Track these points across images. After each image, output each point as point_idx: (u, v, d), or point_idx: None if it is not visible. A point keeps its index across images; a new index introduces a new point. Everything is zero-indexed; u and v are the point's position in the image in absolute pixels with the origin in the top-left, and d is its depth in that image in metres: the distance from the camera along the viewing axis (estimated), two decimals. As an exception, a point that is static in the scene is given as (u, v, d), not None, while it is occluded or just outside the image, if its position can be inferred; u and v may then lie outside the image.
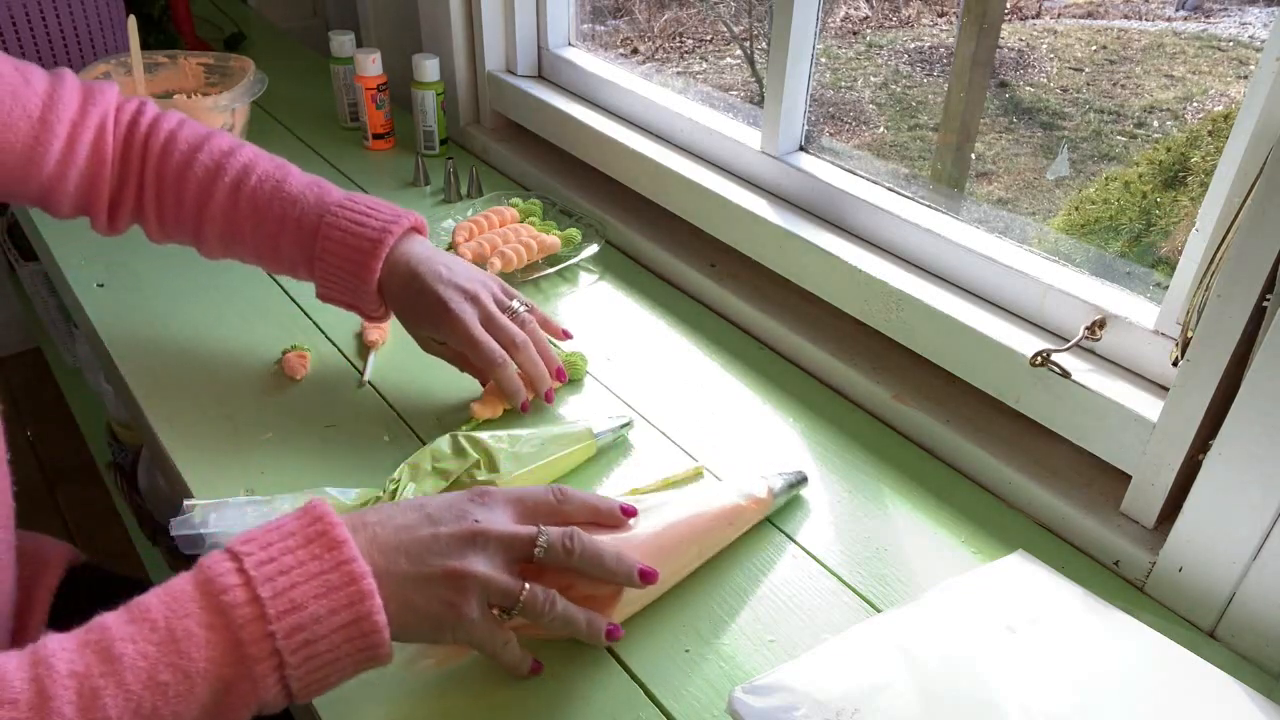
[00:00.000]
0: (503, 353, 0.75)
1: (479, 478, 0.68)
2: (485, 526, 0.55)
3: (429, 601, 0.53)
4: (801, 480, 0.73)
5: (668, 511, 0.64)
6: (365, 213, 0.76)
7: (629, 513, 0.62)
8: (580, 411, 0.81)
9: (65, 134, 0.75)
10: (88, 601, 0.79)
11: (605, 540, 0.58)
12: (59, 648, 0.46)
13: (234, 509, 0.65)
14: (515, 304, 0.79)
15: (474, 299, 0.76)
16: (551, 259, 1.01)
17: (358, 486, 0.69)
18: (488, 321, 0.76)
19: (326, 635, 0.49)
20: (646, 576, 0.59)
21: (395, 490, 0.67)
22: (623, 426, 0.78)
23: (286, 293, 0.95)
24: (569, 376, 0.84)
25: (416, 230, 0.79)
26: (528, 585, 0.55)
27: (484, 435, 0.71)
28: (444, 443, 0.71)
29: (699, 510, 0.66)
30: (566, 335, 0.85)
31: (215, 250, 0.81)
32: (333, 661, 0.50)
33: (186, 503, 0.65)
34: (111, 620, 0.48)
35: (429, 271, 0.76)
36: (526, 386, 0.78)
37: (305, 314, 0.92)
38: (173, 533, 0.63)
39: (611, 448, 0.77)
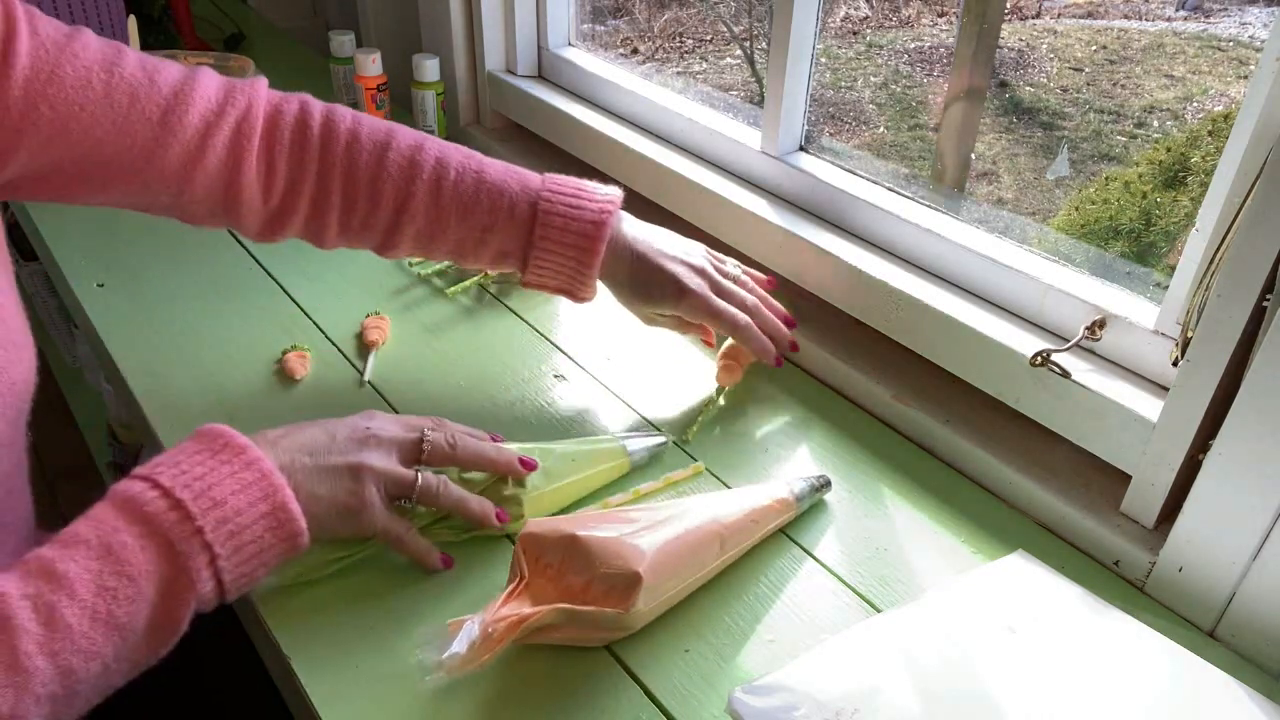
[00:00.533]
0: (741, 315, 0.77)
1: (504, 491, 0.67)
2: (376, 431, 0.63)
3: (333, 491, 0.60)
4: (825, 484, 0.73)
5: (692, 513, 0.64)
6: (577, 194, 0.76)
7: (495, 439, 0.69)
8: (610, 425, 0.81)
9: (190, 138, 0.69)
10: None
11: (598, 537, 0.59)
12: (3, 580, 0.50)
13: None
14: (729, 267, 0.82)
15: (701, 271, 0.78)
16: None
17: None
18: (719, 290, 0.78)
19: (249, 525, 0.55)
20: (527, 465, 0.67)
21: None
22: (658, 445, 0.76)
23: (287, 293, 0.95)
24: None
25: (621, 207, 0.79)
26: (420, 473, 0.63)
27: (512, 446, 0.69)
28: None
29: (722, 510, 0.66)
30: (773, 283, 0.87)
31: (404, 249, 0.78)
32: (258, 553, 0.56)
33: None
34: (45, 550, 0.52)
35: (650, 250, 0.77)
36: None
37: (305, 314, 0.92)
38: None
39: (645, 466, 0.76)
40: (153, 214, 0.74)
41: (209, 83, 0.71)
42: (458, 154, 0.77)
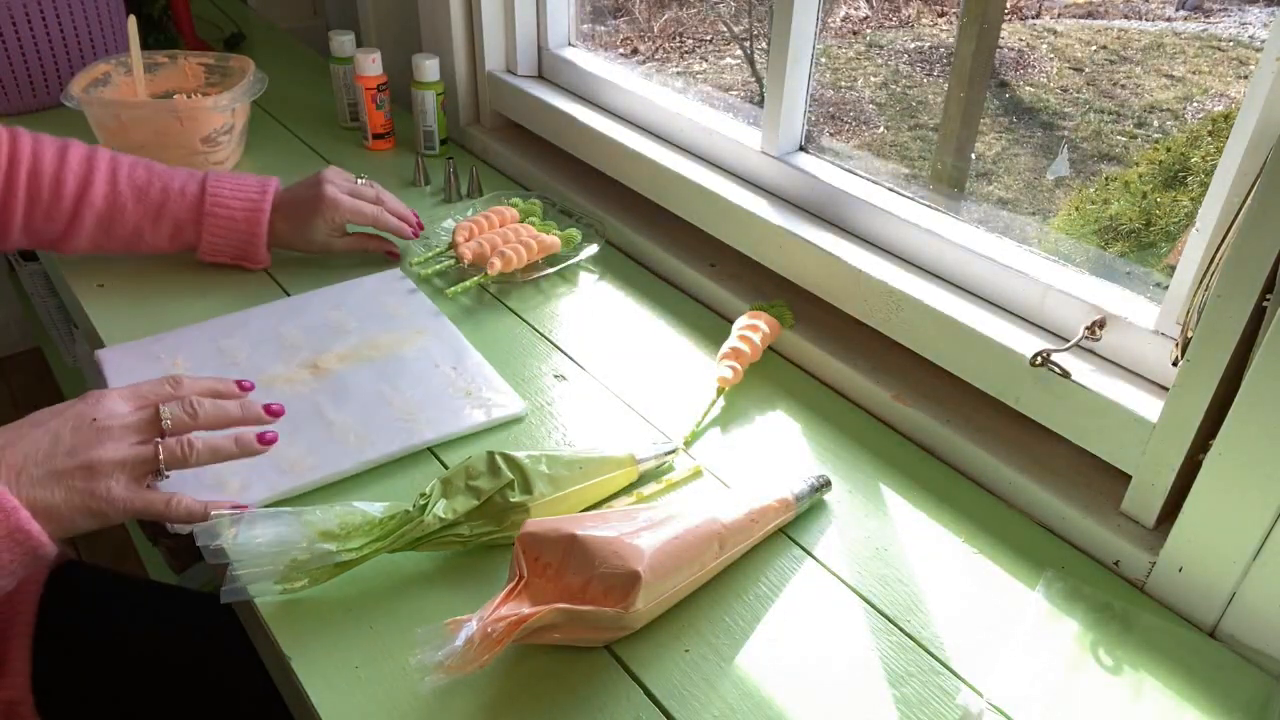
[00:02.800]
0: (375, 206, 0.97)
1: (512, 499, 0.66)
2: (105, 421, 0.62)
3: (68, 496, 0.60)
4: (825, 484, 0.73)
5: (692, 513, 0.64)
6: (237, 177, 0.94)
7: (245, 387, 0.70)
8: (611, 425, 0.81)
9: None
10: (90, 600, 0.80)
11: (597, 536, 0.59)
12: None
13: (263, 520, 0.62)
14: (358, 181, 0.99)
15: (330, 181, 0.96)
16: (551, 259, 1.01)
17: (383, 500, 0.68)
18: (352, 192, 0.97)
19: None
20: (272, 412, 0.68)
21: (425, 505, 0.65)
22: (667, 453, 0.76)
23: (287, 293, 0.95)
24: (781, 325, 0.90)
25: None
26: (161, 442, 0.62)
27: (521, 455, 0.69)
28: (480, 460, 0.68)
29: (722, 510, 0.66)
30: (415, 225, 1.01)
31: (84, 237, 0.90)
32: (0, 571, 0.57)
33: (213, 513, 0.64)
34: None
35: (292, 191, 0.96)
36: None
37: (305, 314, 0.92)
38: (197, 543, 0.62)
39: (655, 474, 0.75)
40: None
41: None
42: (129, 157, 0.92)
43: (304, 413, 0.78)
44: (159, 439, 0.63)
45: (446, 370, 0.83)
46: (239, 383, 0.70)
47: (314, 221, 0.94)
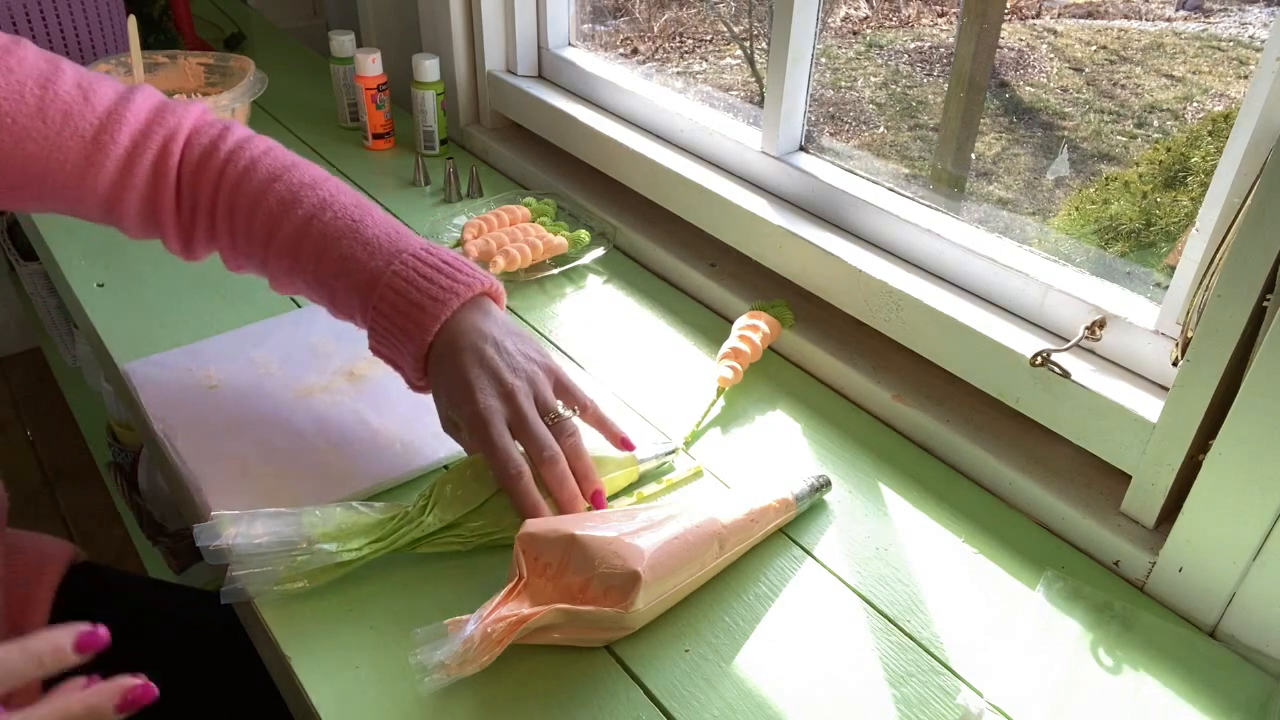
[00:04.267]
0: (520, 464, 0.63)
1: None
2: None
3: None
4: (825, 484, 0.73)
5: (692, 513, 0.64)
6: (438, 267, 0.67)
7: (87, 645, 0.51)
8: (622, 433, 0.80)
9: (120, 155, 0.69)
10: (89, 600, 0.80)
11: (597, 536, 0.59)
12: None
13: (263, 520, 0.62)
14: (561, 407, 0.67)
15: (509, 395, 0.64)
16: (559, 259, 1.01)
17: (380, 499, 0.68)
18: (518, 425, 0.64)
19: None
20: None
21: (425, 506, 0.65)
22: (668, 453, 0.75)
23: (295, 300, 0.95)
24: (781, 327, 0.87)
25: (490, 296, 0.69)
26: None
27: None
28: (480, 461, 0.66)
29: (722, 510, 0.66)
30: (627, 445, 0.71)
31: (284, 286, 0.74)
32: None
33: (213, 513, 0.63)
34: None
35: (471, 346, 0.65)
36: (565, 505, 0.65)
37: (305, 314, 0.92)
38: (197, 543, 0.61)
39: (655, 474, 0.75)
40: (92, 222, 0.74)
41: (142, 104, 0.71)
42: (349, 199, 0.71)
43: (347, 422, 0.76)
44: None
45: None
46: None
47: (445, 399, 0.67)
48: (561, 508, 0.65)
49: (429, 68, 1.18)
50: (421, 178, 1.17)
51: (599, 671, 0.60)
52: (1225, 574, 0.62)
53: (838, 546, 0.69)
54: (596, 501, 0.67)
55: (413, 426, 0.76)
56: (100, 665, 0.74)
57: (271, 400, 0.79)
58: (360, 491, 0.70)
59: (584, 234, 1.03)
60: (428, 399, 0.69)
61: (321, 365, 0.83)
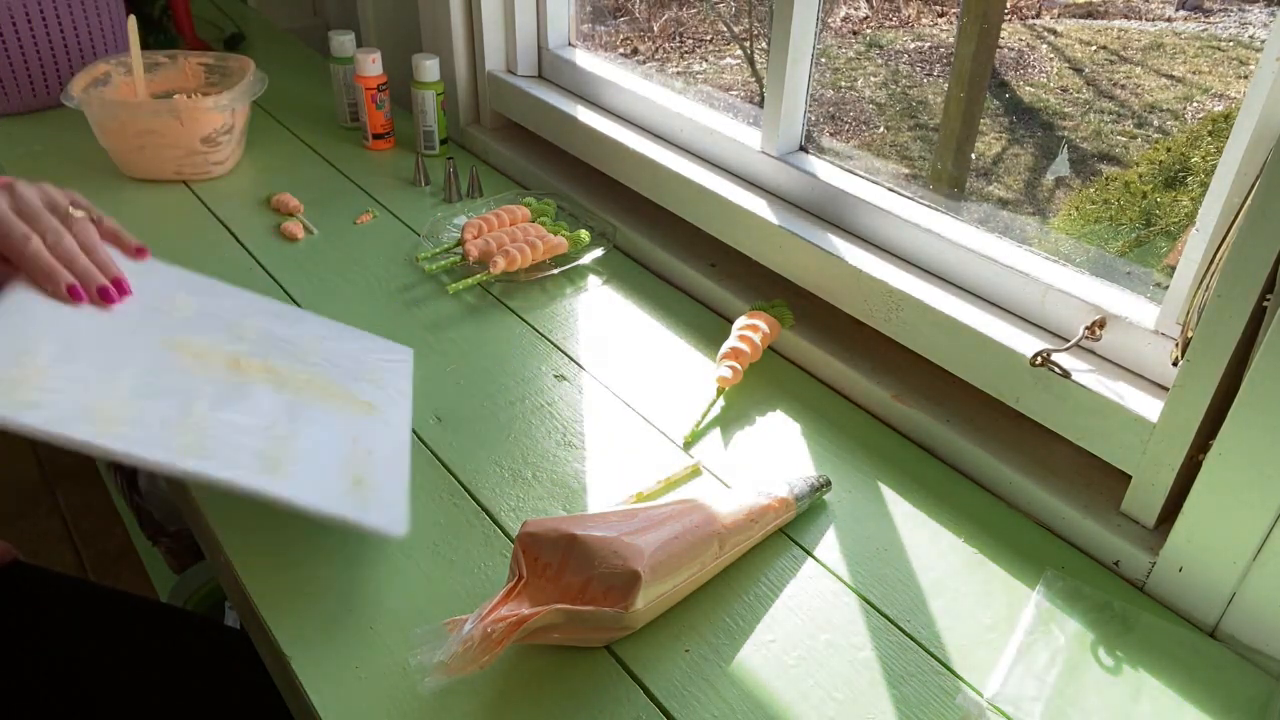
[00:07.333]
0: (29, 232, 0.65)
1: None
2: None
3: None
4: (825, 484, 0.73)
5: (691, 513, 0.64)
6: None
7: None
8: (611, 426, 0.81)
9: None
10: (19, 601, 0.78)
11: (597, 536, 0.59)
12: None
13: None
14: (72, 209, 0.68)
15: (7, 186, 0.66)
16: (558, 259, 1.01)
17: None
18: (19, 208, 0.66)
19: None
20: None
21: None
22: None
23: (286, 293, 0.95)
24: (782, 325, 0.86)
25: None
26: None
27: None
28: None
29: (722, 510, 0.66)
30: (141, 253, 0.72)
31: None
32: None
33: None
34: None
35: None
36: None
37: (305, 314, 0.92)
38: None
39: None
40: None
41: None
42: None
43: (174, 388, 0.64)
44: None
45: (360, 450, 0.67)
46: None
47: None
48: (79, 279, 0.65)
49: (429, 68, 1.18)
50: (421, 178, 1.17)
51: (599, 672, 0.60)
52: (1225, 574, 0.62)
53: (838, 546, 0.69)
54: (119, 287, 0.67)
55: (230, 434, 0.62)
56: (101, 667, 0.72)
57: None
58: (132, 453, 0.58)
59: (584, 234, 1.03)
60: (278, 424, 0.64)
61: (222, 340, 0.71)
